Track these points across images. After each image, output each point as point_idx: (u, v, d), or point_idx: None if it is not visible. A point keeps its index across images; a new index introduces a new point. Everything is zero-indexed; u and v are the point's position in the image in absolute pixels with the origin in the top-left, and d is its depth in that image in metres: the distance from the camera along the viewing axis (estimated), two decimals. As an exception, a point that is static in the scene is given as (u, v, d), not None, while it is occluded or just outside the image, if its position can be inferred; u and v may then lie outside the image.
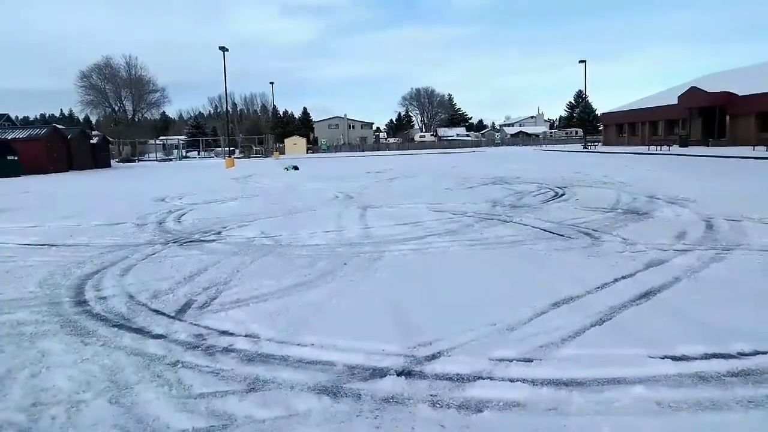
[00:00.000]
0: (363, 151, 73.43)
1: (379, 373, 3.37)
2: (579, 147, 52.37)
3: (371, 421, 2.81)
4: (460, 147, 72.75)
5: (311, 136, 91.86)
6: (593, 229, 7.99)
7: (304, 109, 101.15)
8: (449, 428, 2.72)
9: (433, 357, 3.59)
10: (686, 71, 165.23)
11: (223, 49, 44.38)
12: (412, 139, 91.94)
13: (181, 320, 4.52)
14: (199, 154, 68.31)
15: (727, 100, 38.33)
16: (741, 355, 3.41)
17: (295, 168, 29.61)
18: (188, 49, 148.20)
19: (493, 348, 3.68)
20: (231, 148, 54.67)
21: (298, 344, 3.89)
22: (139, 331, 4.30)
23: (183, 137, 79.08)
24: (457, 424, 2.76)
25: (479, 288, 5.19)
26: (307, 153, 70.54)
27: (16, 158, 31.23)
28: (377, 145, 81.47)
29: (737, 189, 12.85)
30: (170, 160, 58.49)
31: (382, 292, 5.13)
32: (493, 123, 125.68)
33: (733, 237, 6.99)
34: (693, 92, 41.42)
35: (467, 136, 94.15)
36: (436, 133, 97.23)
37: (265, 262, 6.64)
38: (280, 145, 71.49)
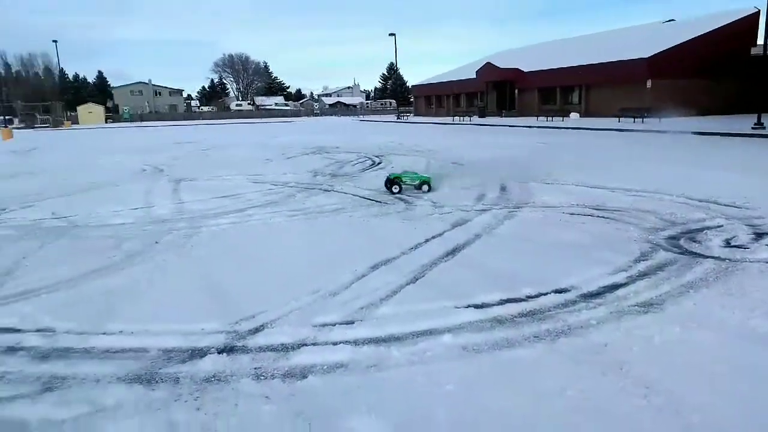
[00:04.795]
0: (173, 120, 68.17)
1: (199, 353, 3.21)
2: (393, 117, 55.09)
3: (191, 404, 2.67)
4: (279, 116, 71.57)
5: (110, 103, 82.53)
6: (407, 194, 8.49)
7: (100, 73, 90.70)
8: (274, 398, 2.70)
9: (257, 330, 3.52)
10: (485, 48, 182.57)
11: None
12: (228, 108, 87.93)
13: (-53, 322, 3.77)
14: (-36, 124, 56.91)
15: (516, 75, 43.35)
16: (528, 297, 3.95)
17: None
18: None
19: (316, 315, 3.73)
20: (8, 117, 46.51)
21: (104, 333, 3.51)
22: None
23: (-61, 103, 65.02)
24: (282, 393, 2.75)
25: (302, 257, 5.21)
26: (106, 122, 63.22)
27: None
28: (190, 114, 76.27)
29: (526, 155, 14.68)
30: (-77, 130, 47.73)
31: (200, 270, 4.87)
32: (312, 93, 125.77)
33: (523, 197, 7.99)
34: (488, 67, 45.99)
35: (286, 105, 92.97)
36: (254, 102, 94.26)
37: (57, 246, 5.85)
38: (72, 114, 62.96)
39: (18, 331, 3.59)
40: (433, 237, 5.74)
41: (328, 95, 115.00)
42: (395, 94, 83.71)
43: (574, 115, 35.58)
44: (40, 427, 2.50)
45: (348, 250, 5.35)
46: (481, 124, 34.48)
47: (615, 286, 4.12)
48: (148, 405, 2.67)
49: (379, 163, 13.37)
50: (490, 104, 46.50)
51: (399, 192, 8.65)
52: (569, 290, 4.06)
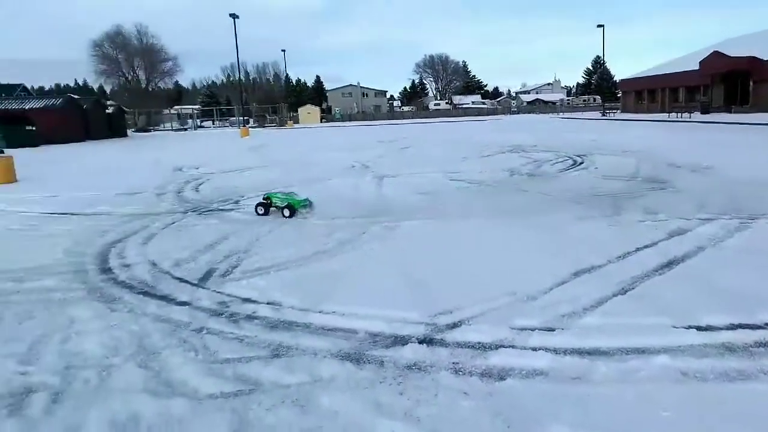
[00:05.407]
0: (377, 119, 72.81)
1: (401, 340, 3.40)
2: (597, 114, 51.39)
3: (395, 387, 2.84)
4: (476, 115, 71.82)
5: (325, 104, 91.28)
6: (614, 198, 7.87)
7: (317, 77, 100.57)
8: (473, 395, 2.74)
9: (454, 325, 3.60)
10: (705, 36, 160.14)
11: (233, 16, 43.78)
12: (427, 107, 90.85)
13: (204, 288, 4.58)
14: (213, 124, 68.28)
15: (751, 64, 37.09)
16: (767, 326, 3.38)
17: None
18: (198, 16, 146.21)
19: (514, 317, 3.68)
20: (245, 118, 54.56)
21: (320, 312, 3.92)
22: (164, 298, 4.37)
23: (197, 107, 79.02)
24: (480, 391, 2.77)
25: (499, 257, 5.17)
26: (321, 122, 70.18)
27: (33, 128, 31.41)
28: (392, 114, 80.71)
29: (764, 157, 12.54)
30: (185, 129, 58.53)
31: (402, 261, 5.14)
32: (509, 90, 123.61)
33: (760, 206, 6.85)
34: (715, 57, 40.14)
35: (483, 103, 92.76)
36: (452, 101, 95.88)
37: (283, 231, 6.68)
38: (294, 114, 71.16)
39: (254, 302, 4.19)
40: (645, 246, 5.23)
41: (527, 92, 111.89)
42: (600, 90, 77.97)
43: (833, 110, 29.23)
44: (271, 389, 2.88)
45: (548, 254, 5.16)
46: (704, 122, 30.30)
47: None
48: (357, 383, 2.91)
49: (580, 163, 12.62)
50: (715, 99, 40.61)
51: (265, 213, 7.43)
52: (826, 322, 3.37)
